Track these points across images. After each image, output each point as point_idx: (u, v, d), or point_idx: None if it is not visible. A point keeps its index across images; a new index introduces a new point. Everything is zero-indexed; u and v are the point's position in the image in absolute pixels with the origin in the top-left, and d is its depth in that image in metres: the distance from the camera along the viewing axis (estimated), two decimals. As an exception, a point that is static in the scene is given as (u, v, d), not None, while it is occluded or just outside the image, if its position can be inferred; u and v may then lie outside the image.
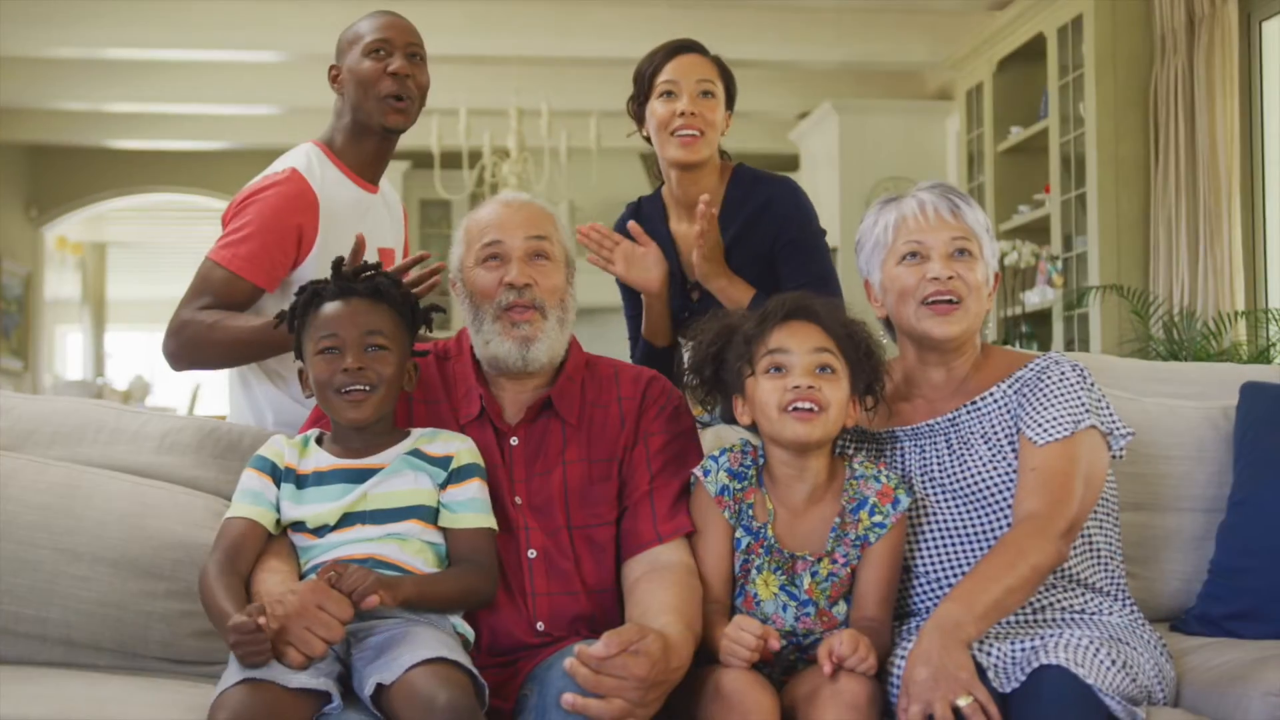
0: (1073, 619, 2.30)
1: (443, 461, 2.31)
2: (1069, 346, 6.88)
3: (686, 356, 2.50)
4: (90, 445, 2.68)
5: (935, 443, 2.44)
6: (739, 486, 2.38)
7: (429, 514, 2.29)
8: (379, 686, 2.01)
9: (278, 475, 2.30)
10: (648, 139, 3.19)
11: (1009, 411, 2.39)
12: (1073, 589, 2.35)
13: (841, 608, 2.33)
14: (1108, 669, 2.11)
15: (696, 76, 3.08)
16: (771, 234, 3.08)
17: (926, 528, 2.39)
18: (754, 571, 2.34)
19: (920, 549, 2.39)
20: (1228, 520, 2.71)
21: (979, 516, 2.36)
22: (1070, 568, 2.34)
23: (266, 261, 2.83)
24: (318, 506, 2.26)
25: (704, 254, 3.00)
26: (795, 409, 2.28)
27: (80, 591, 2.46)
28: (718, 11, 7.89)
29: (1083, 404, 2.34)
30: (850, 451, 2.48)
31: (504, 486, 2.39)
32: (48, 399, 2.81)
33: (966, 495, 2.37)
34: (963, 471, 2.39)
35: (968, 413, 2.42)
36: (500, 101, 8.76)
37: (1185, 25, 6.13)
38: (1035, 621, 2.30)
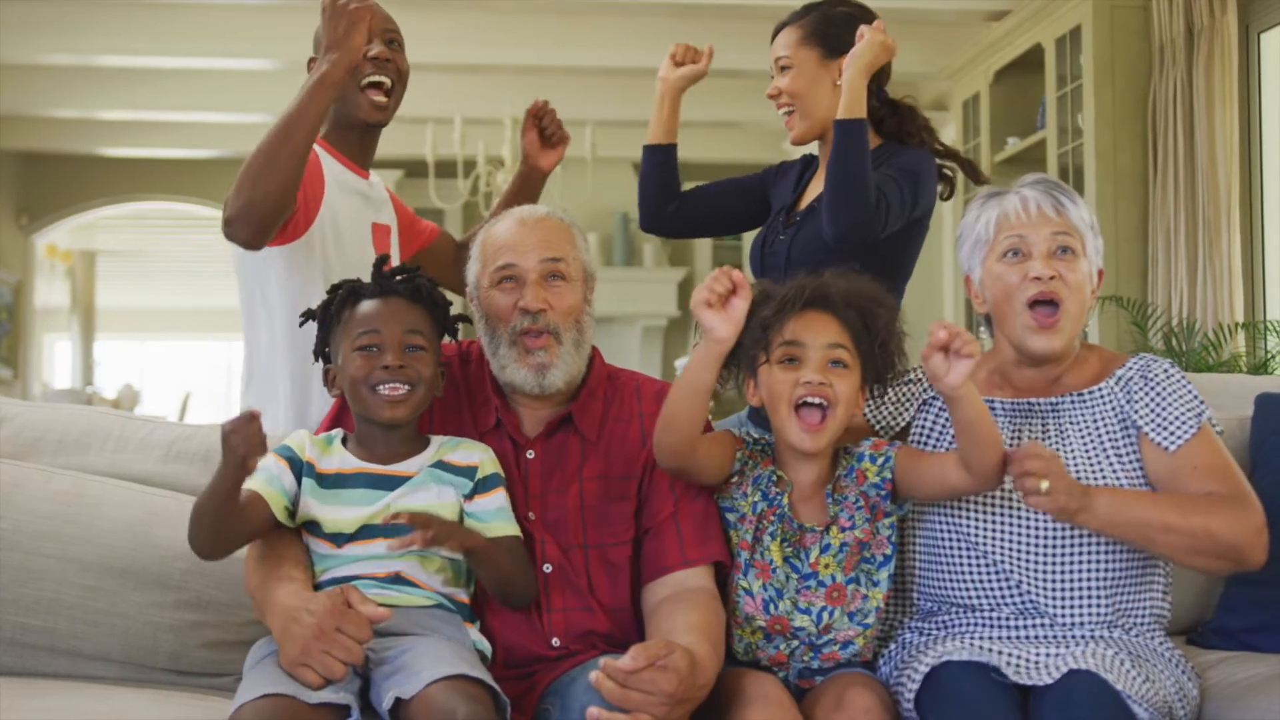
0: (1094, 638, 2.28)
1: (468, 471, 2.28)
2: (1066, 357, 6.85)
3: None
4: (96, 454, 2.65)
5: (1031, 424, 2.42)
6: (760, 451, 2.41)
7: None
8: (398, 701, 1.98)
9: (298, 467, 2.26)
10: None
11: (1115, 409, 2.37)
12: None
13: (861, 588, 2.31)
14: (1134, 678, 2.13)
15: (774, 56, 3.16)
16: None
17: (994, 512, 2.34)
18: (766, 538, 2.33)
19: (979, 533, 2.34)
20: (1245, 532, 2.68)
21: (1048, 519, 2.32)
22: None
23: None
24: (338, 510, 2.23)
25: None
26: (805, 404, 2.28)
27: (88, 602, 2.43)
28: (713, 21, 7.86)
29: (1195, 397, 2.36)
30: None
31: (518, 500, 2.35)
32: (52, 407, 2.77)
33: None
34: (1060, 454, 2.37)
35: (1071, 403, 2.41)
36: (495, 110, 8.74)
37: (1184, 36, 6.12)
38: (1058, 639, 2.28)
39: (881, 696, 2.22)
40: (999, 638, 2.29)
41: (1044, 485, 2.12)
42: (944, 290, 8.38)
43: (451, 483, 2.27)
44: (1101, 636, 2.27)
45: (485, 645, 2.25)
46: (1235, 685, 2.32)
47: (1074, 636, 2.27)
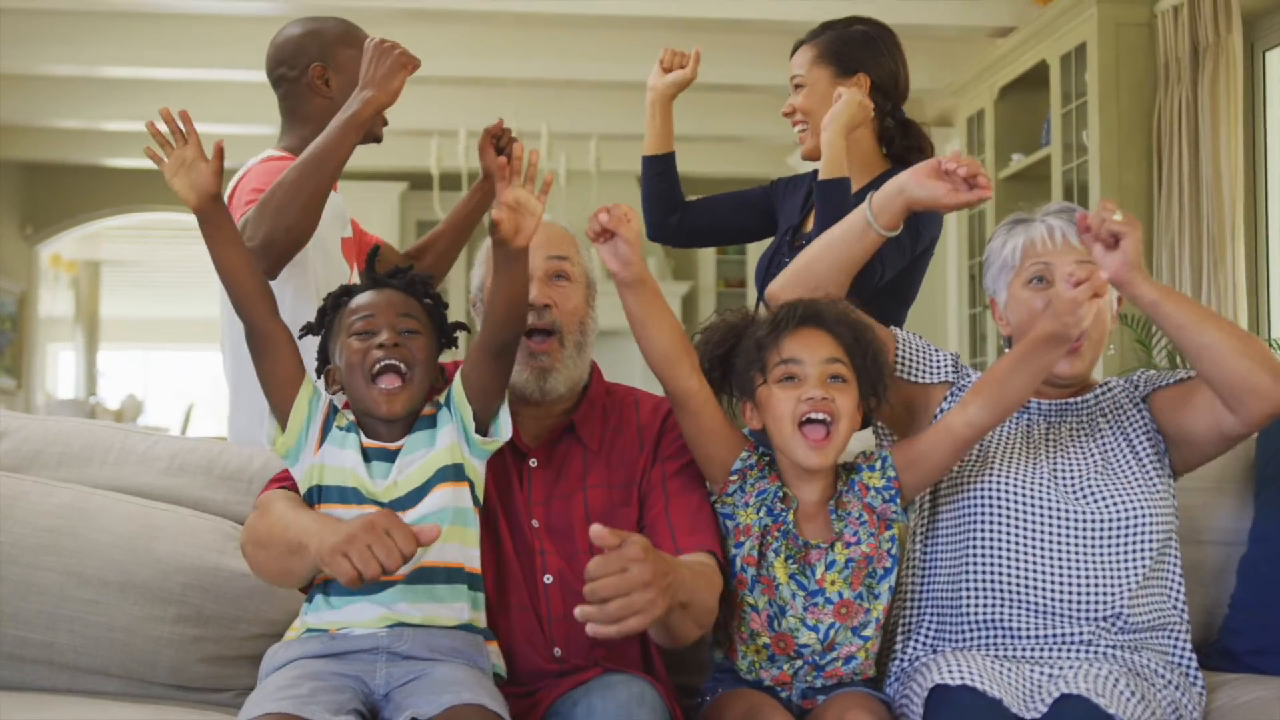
0: (1098, 655, 2.28)
1: (441, 407, 2.29)
2: (1070, 374, 6.85)
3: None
4: (98, 467, 2.65)
5: (1066, 419, 2.48)
6: (768, 464, 2.40)
7: (454, 471, 2.24)
8: None
9: (332, 415, 2.26)
10: None
11: (1128, 394, 2.49)
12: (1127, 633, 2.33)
13: (864, 601, 2.32)
14: (1127, 699, 2.14)
15: (791, 74, 3.21)
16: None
17: (1028, 510, 2.36)
18: (771, 554, 2.33)
19: (1045, 524, 2.35)
20: (1249, 554, 2.67)
21: (1088, 505, 2.34)
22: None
23: None
24: (369, 475, 2.22)
25: None
26: (810, 420, 2.29)
27: (87, 616, 2.43)
28: (718, 36, 7.87)
29: None
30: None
31: (521, 509, 2.36)
32: (55, 419, 2.77)
33: (1084, 477, 2.38)
34: (1091, 449, 2.42)
35: (1097, 398, 2.50)
36: (499, 123, 8.73)
37: (1189, 54, 6.11)
38: (1053, 656, 2.29)
39: (881, 717, 2.22)
40: (1009, 655, 2.29)
41: (1118, 215, 2.21)
42: (948, 298, 8.37)
43: (430, 430, 2.26)
44: (1107, 651, 2.28)
45: (502, 668, 2.25)
46: (1239, 708, 2.31)
47: (1093, 650, 2.28)
